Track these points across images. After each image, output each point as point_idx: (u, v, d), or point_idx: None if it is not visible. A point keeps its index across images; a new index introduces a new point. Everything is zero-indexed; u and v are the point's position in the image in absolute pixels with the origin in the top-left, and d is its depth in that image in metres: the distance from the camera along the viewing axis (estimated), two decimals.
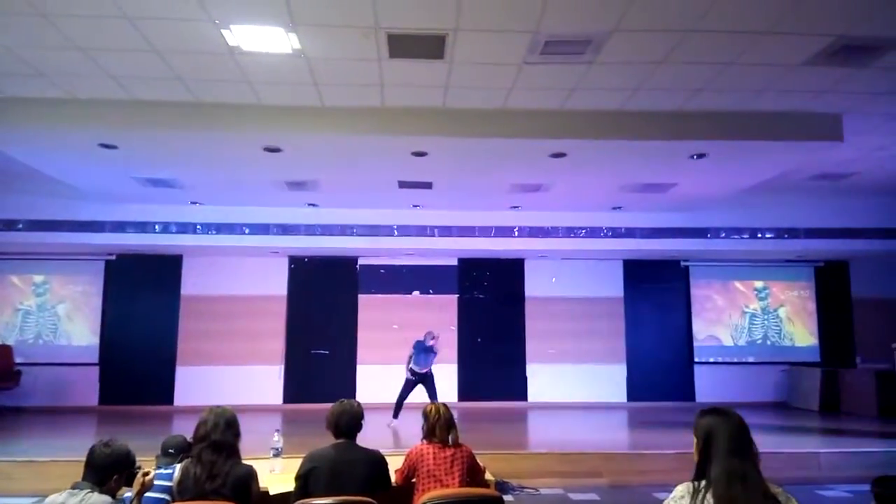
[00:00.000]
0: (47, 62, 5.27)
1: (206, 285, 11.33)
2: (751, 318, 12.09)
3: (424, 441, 3.68)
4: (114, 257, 11.21)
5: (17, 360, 10.69)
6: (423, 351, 9.05)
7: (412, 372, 9.05)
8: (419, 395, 8.93)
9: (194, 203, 9.70)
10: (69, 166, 7.61)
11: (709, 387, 11.62)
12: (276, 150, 6.85)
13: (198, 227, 10.04)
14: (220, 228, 10.07)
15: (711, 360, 11.87)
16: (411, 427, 8.38)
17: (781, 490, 2.09)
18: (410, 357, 9.08)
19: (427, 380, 9.06)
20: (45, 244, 10.10)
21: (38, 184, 8.56)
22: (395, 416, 8.86)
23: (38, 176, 8.00)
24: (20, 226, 9.77)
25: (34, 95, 5.94)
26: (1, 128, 6.18)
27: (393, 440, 7.84)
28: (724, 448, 2.10)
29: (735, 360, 11.92)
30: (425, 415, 3.76)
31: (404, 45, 4.96)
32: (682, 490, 2.14)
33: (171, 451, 3.61)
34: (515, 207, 9.94)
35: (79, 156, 7.13)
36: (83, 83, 5.69)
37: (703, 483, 2.10)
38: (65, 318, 11.21)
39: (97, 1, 4.28)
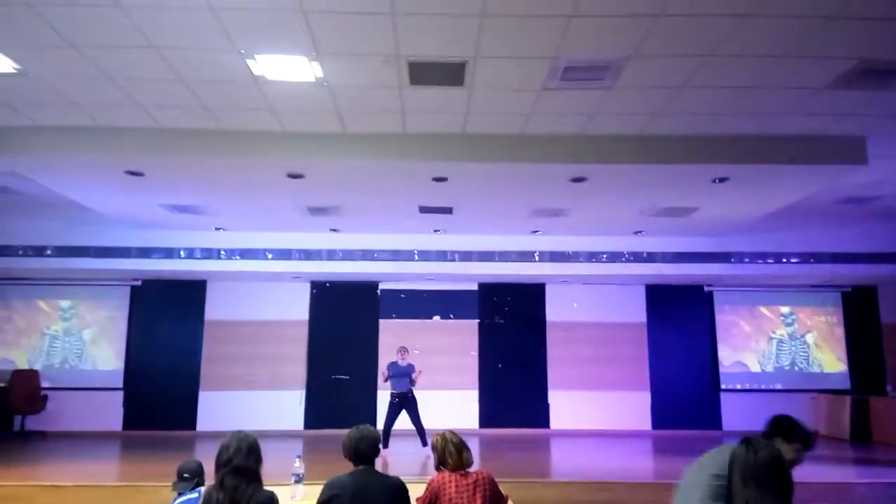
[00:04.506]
0: (77, 92, 5.42)
1: (230, 310, 11.42)
2: (778, 345, 11.87)
3: (444, 470, 3.63)
4: (139, 282, 11.37)
5: (44, 384, 10.85)
6: (399, 372, 8.97)
7: (393, 395, 8.97)
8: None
9: (219, 229, 9.84)
10: (97, 193, 7.77)
11: (736, 414, 11.38)
12: (298, 176, 6.94)
13: (222, 252, 10.17)
14: (244, 254, 10.19)
15: (738, 386, 11.65)
16: (411, 455, 8.35)
17: None
18: (387, 379, 9.03)
19: (409, 403, 8.93)
20: (73, 270, 10.30)
21: (67, 211, 8.76)
22: (385, 444, 8.56)
23: (67, 203, 8.19)
24: (49, 252, 9.98)
25: (64, 124, 6.10)
26: (31, 156, 6.34)
27: (415, 468, 7.77)
28: (740, 479, 2.06)
29: (762, 387, 11.68)
30: (433, 447, 3.71)
31: (425, 73, 5.02)
32: None
33: (185, 475, 3.64)
34: (536, 232, 9.93)
35: (106, 183, 7.28)
36: (111, 112, 5.84)
37: None
38: (91, 342, 11.36)
39: (126, 32, 4.41)
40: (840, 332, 11.88)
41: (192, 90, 5.35)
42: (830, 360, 11.82)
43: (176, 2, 4.03)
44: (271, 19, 4.26)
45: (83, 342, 11.35)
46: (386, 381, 9.07)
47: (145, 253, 10.08)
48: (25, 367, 10.99)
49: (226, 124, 6.10)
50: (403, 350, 9.19)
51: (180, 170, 6.84)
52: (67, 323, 11.40)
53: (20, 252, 9.94)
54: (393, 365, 9.07)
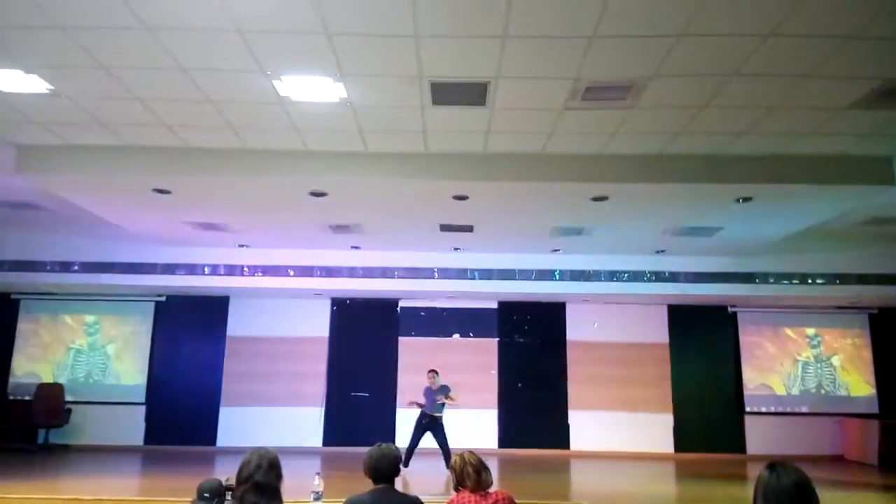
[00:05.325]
0: (107, 112, 5.55)
1: (251, 326, 11.51)
2: (803, 367, 11.65)
3: (465, 490, 3.61)
4: (163, 298, 11.51)
5: (68, 398, 10.98)
6: (431, 395, 9.02)
7: (423, 415, 9.00)
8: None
9: (242, 246, 9.95)
10: (124, 211, 7.91)
11: (761, 438, 11.17)
12: (321, 194, 7.02)
13: (245, 269, 10.28)
14: (266, 271, 10.28)
15: (763, 409, 11.44)
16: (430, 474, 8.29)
17: None
18: (422, 407, 9.06)
19: (437, 425, 8.92)
20: (98, 285, 10.47)
21: (94, 227, 8.92)
22: (406, 463, 8.48)
23: (94, 219, 8.34)
24: (76, 267, 10.16)
25: (93, 143, 6.23)
26: (62, 174, 6.49)
27: (435, 488, 7.72)
28: (762, 503, 2.06)
29: (788, 410, 11.46)
30: (451, 468, 3.69)
31: (447, 93, 5.07)
32: None
33: (206, 494, 3.67)
34: (556, 251, 9.90)
35: (134, 201, 7.42)
36: (140, 131, 5.96)
37: None
38: (114, 357, 11.49)
39: (156, 54, 4.51)
40: (867, 354, 11.64)
41: (219, 110, 5.45)
42: (858, 383, 11.57)
43: (204, 25, 4.12)
44: (297, 42, 4.34)
45: (107, 357, 11.49)
46: (422, 407, 9.08)
47: (170, 269, 10.22)
48: (50, 380, 11.14)
49: (251, 143, 6.20)
50: (433, 373, 9.18)
51: (206, 188, 6.95)
52: (92, 337, 11.56)
53: (47, 267, 10.13)
54: (427, 390, 9.08)
